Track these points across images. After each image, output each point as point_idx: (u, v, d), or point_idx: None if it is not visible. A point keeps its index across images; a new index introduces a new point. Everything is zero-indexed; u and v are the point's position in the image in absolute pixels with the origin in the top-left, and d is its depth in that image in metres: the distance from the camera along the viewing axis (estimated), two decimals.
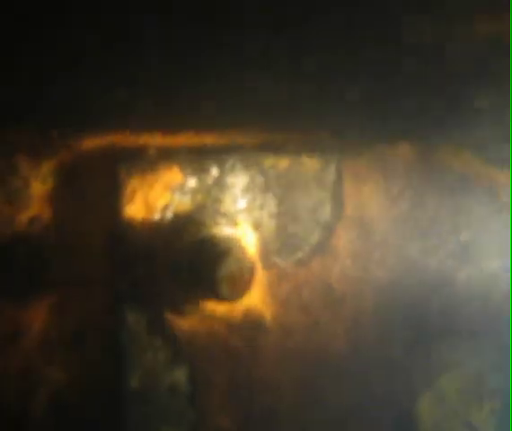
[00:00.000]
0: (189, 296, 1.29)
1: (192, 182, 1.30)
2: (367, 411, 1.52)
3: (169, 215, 1.28)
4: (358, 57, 1.29)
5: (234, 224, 1.31)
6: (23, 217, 1.27)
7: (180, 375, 1.36)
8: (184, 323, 1.33)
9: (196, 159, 1.31)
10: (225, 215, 1.31)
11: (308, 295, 1.43)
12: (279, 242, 1.39)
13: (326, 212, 1.42)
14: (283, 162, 1.38)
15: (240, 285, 1.18)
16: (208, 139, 1.35)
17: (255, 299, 1.38)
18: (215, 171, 1.32)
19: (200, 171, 1.31)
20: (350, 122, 1.45)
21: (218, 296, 1.18)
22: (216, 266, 1.16)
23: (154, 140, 1.30)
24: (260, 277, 1.37)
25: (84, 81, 1.23)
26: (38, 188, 1.27)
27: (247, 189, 1.34)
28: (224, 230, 1.26)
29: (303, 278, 1.42)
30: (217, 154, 1.32)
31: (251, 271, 1.19)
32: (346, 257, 1.44)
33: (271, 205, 1.37)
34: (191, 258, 1.21)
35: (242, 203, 1.34)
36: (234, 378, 1.40)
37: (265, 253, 1.37)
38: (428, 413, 1.59)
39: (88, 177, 1.28)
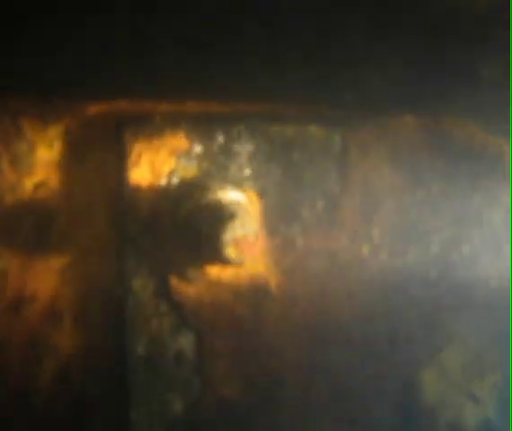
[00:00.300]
0: (195, 262, 1.30)
1: (198, 149, 1.30)
2: (370, 381, 1.52)
3: (175, 180, 1.28)
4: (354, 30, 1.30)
5: (240, 190, 1.31)
6: (29, 183, 1.27)
7: (185, 343, 1.37)
8: (190, 290, 1.34)
9: (202, 126, 1.31)
10: (230, 181, 1.32)
11: (313, 264, 1.43)
12: (284, 211, 1.39)
13: (331, 181, 1.42)
14: (288, 131, 1.39)
15: (245, 248, 1.18)
16: (215, 108, 1.36)
17: (260, 267, 1.38)
18: (221, 139, 1.32)
19: (206, 138, 1.31)
20: (353, 94, 1.46)
21: (224, 260, 1.18)
22: (222, 229, 1.16)
23: (160, 107, 1.31)
24: (266, 245, 1.38)
25: (90, 48, 1.23)
26: (43, 153, 1.27)
27: (253, 157, 1.34)
28: (229, 195, 1.26)
29: (308, 247, 1.42)
30: (223, 122, 1.33)
31: (257, 235, 1.20)
32: (351, 226, 1.45)
33: (276, 173, 1.37)
34: (197, 222, 1.21)
35: (247, 171, 1.34)
36: (239, 346, 1.40)
37: (270, 221, 1.38)
38: (431, 385, 1.59)
39: (94, 142, 1.28)
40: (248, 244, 1.19)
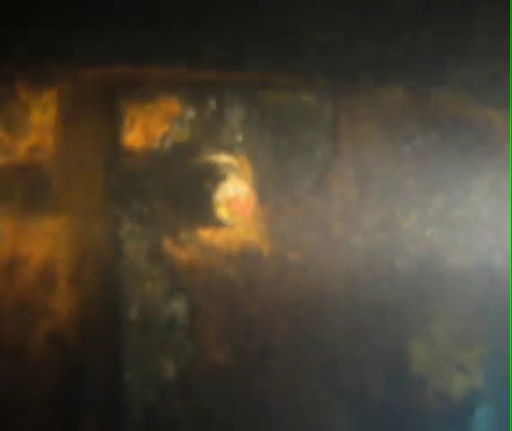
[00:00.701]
0: (188, 226, 1.32)
1: (191, 114, 1.32)
2: (359, 352, 1.55)
3: (168, 144, 1.30)
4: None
5: (232, 156, 1.33)
6: (23, 146, 1.29)
7: (178, 307, 1.39)
8: (183, 254, 1.35)
9: (194, 92, 1.32)
10: (222, 147, 1.33)
11: (304, 232, 1.45)
12: (276, 178, 1.41)
13: (322, 149, 1.44)
14: (280, 98, 1.40)
15: (237, 209, 1.20)
16: (207, 75, 1.37)
17: (252, 233, 1.40)
18: (213, 104, 1.33)
19: (199, 103, 1.32)
20: (341, 64, 1.48)
21: (216, 221, 1.20)
22: (214, 189, 1.18)
23: (153, 73, 1.32)
24: (258, 212, 1.40)
25: (84, 14, 1.24)
26: (38, 117, 1.29)
27: (244, 123, 1.36)
28: (221, 158, 1.28)
29: (299, 215, 1.44)
30: (215, 89, 1.34)
31: (248, 197, 1.21)
32: (342, 195, 1.47)
33: (268, 140, 1.39)
34: (190, 184, 1.23)
35: (239, 137, 1.36)
36: (231, 312, 1.42)
37: (262, 188, 1.40)
38: (420, 356, 1.62)
39: (88, 106, 1.30)
40: (240, 206, 1.21)
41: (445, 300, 1.61)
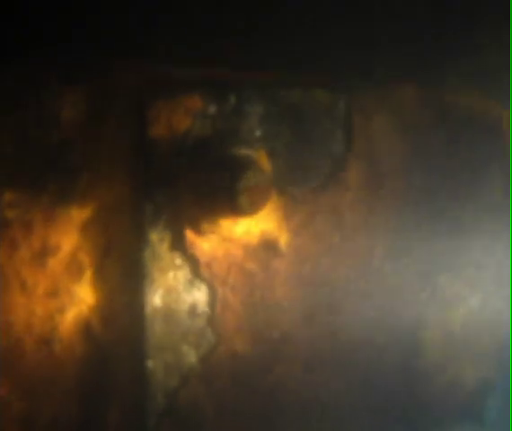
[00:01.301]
0: (210, 217, 1.37)
1: (212, 110, 1.38)
2: (375, 339, 1.59)
3: (191, 137, 1.36)
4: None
5: (251, 149, 1.39)
6: (54, 139, 1.35)
7: (199, 296, 1.44)
8: (204, 244, 1.41)
9: (215, 89, 1.39)
10: (242, 142, 1.39)
11: (320, 223, 1.51)
12: (293, 171, 1.47)
13: (337, 143, 1.50)
14: (296, 95, 1.47)
15: (258, 198, 1.26)
16: (226, 75, 1.44)
17: (270, 224, 1.46)
18: (233, 100, 1.40)
19: (219, 100, 1.39)
20: (354, 63, 1.54)
21: (237, 209, 1.25)
22: (235, 178, 1.24)
23: (177, 71, 1.39)
24: (275, 204, 1.45)
25: (113, 13, 1.30)
26: (68, 112, 1.35)
27: (263, 119, 1.42)
28: (242, 151, 1.34)
29: (315, 207, 1.50)
30: (235, 86, 1.41)
31: (269, 187, 1.27)
32: (356, 187, 1.52)
33: (285, 135, 1.45)
34: (212, 174, 1.29)
35: (258, 132, 1.42)
36: (250, 301, 1.47)
37: (279, 181, 1.45)
38: (435, 344, 1.66)
39: (115, 102, 1.36)
40: (260, 195, 1.26)
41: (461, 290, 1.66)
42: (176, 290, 1.42)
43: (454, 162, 1.60)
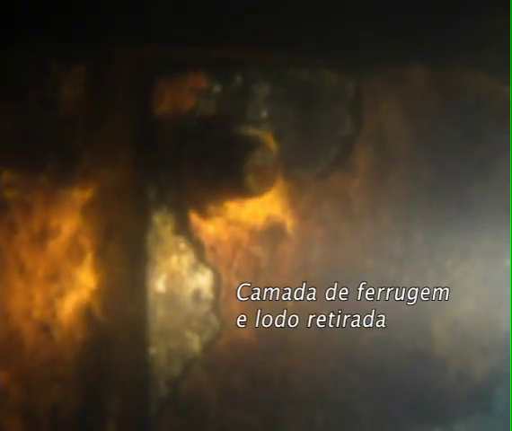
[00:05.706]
0: (215, 198, 1.33)
1: (217, 89, 1.34)
2: (384, 332, 1.55)
3: (195, 118, 1.32)
4: None
5: (258, 129, 1.35)
6: (54, 119, 1.31)
7: (203, 281, 1.40)
8: (209, 228, 1.37)
9: (221, 68, 1.35)
10: (248, 122, 1.36)
11: (327, 208, 1.47)
12: (300, 155, 1.43)
13: (345, 127, 1.46)
14: (303, 76, 1.43)
15: (265, 178, 1.22)
16: (233, 54, 1.40)
17: (276, 208, 1.42)
18: (239, 80, 1.36)
19: (225, 79, 1.35)
20: (363, 43, 1.50)
21: (244, 189, 1.22)
22: (243, 158, 1.20)
23: (181, 49, 1.35)
24: (281, 187, 1.42)
25: None
26: (69, 91, 1.31)
27: (269, 100, 1.38)
28: (248, 131, 1.30)
29: (322, 191, 1.46)
30: (241, 65, 1.37)
31: (276, 167, 1.23)
32: (364, 171, 1.49)
33: (292, 116, 1.41)
34: (219, 154, 1.25)
35: (264, 112, 1.38)
36: (255, 286, 1.44)
37: (286, 164, 1.41)
38: (443, 335, 1.62)
39: (118, 81, 1.32)
40: (267, 175, 1.23)
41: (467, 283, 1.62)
42: (180, 275, 1.38)
43: (465, 147, 1.56)
